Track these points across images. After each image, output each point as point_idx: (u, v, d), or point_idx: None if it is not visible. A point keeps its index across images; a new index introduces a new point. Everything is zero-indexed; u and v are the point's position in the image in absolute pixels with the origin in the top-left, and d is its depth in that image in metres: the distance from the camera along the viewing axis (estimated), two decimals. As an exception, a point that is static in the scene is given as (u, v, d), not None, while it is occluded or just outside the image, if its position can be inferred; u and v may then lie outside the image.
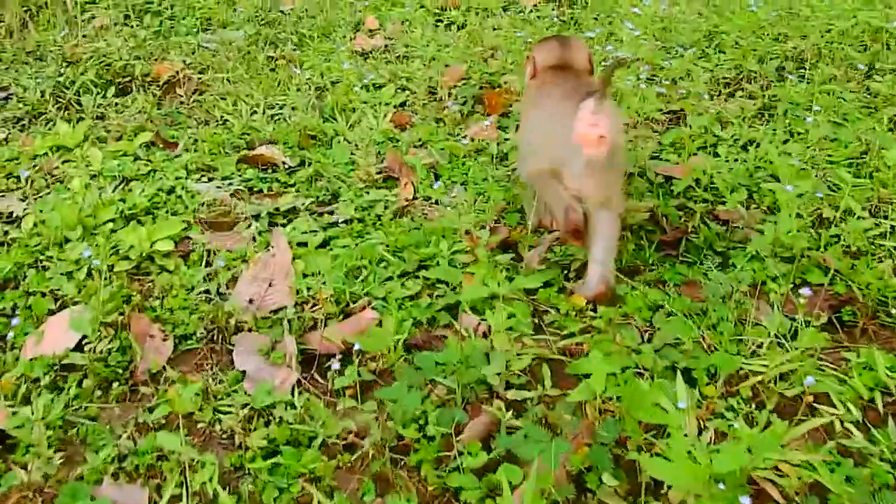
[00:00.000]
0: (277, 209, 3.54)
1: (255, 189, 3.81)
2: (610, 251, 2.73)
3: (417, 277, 3.00)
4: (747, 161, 3.55)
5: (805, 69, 4.57)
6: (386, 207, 3.47)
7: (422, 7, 6.33)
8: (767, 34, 4.95)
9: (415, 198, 3.62)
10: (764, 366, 2.43)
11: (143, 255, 3.19)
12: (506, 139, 4.13)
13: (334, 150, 4.06)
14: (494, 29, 5.59)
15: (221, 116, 4.56)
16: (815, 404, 2.34)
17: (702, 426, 2.24)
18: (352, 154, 3.99)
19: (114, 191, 3.72)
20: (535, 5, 6.21)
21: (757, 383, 2.40)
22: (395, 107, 4.54)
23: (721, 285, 2.66)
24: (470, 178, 3.73)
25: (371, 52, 5.57)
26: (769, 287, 2.73)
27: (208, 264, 3.19)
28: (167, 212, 3.56)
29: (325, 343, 2.65)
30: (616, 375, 2.27)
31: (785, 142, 3.73)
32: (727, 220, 3.13)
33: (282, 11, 6.28)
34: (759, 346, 2.49)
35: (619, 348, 2.44)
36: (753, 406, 2.34)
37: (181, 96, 4.82)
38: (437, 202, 3.55)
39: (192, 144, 4.25)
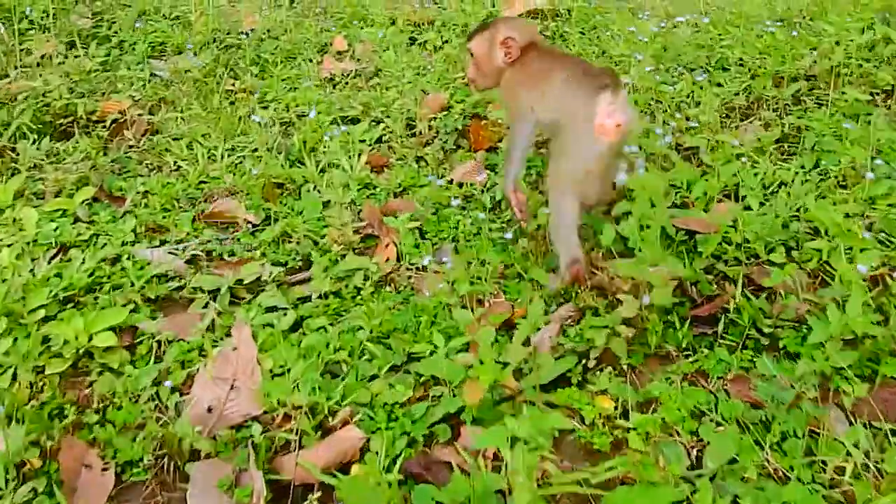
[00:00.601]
0: (240, 281, 3.04)
1: (214, 253, 3.31)
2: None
3: (408, 373, 2.53)
4: (778, 208, 3.09)
5: (821, 89, 4.14)
6: (366, 278, 2.99)
7: (393, 24, 5.83)
8: (773, 48, 4.51)
9: (398, 260, 3.13)
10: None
11: (80, 351, 2.68)
12: (495, 184, 3.65)
13: (304, 203, 3.56)
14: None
15: (175, 162, 4.04)
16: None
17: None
18: (324, 207, 3.50)
19: (49, 262, 3.19)
20: (524, 14, 5.74)
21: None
22: (370, 144, 4.05)
23: (780, 384, 2.20)
24: (460, 233, 3.26)
25: (340, 78, 5.08)
26: (836, 382, 2.27)
27: (158, 359, 2.69)
28: (111, 288, 3.05)
29: (301, 472, 2.16)
30: (665, 516, 1.81)
31: (819, 182, 3.28)
32: (770, 289, 2.67)
33: (243, 33, 5.76)
34: (840, 472, 2.03)
35: (663, 475, 1.97)
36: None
37: (130, 139, 4.29)
38: (423, 268, 3.07)
39: (142, 199, 3.74)
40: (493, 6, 5.91)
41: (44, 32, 5.62)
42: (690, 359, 2.48)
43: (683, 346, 2.54)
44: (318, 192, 3.68)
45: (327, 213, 3.32)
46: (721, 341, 2.54)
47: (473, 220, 3.31)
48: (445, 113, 4.34)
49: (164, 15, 6.10)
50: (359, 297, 2.92)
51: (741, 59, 4.51)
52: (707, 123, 3.75)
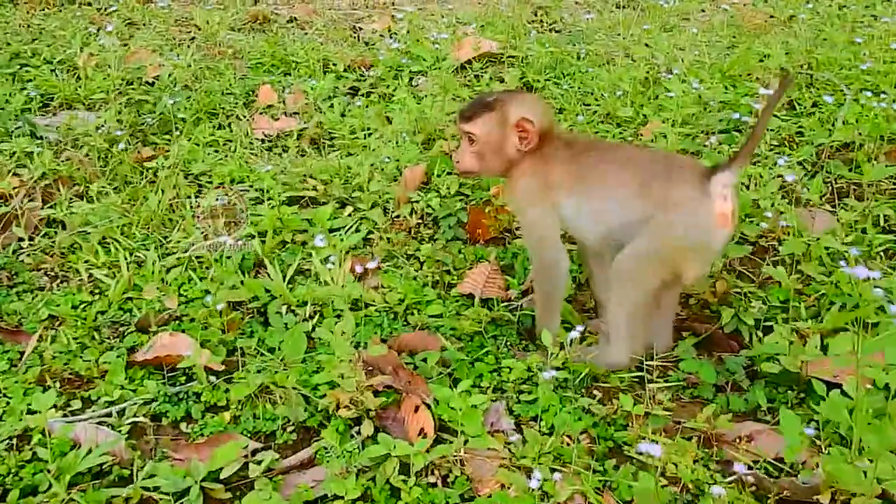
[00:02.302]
0: (216, 476, 2.14)
1: (166, 421, 2.39)
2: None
3: None
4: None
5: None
6: (402, 467, 2.12)
7: (327, 70, 4.97)
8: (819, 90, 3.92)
9: (438, 433, 2.26)
10: None
11: None
12: (522, 293, 2.88)
13: (276, 335, 2.68)
14: (433, 98, 4.29)
15: (88, 270, 3.06)
16: None
17: None
18: (310, 339, 2.63)
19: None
20: (470, 61, 4.99)
21: None
22: (342, 236, 3.19)
23: None
24: (508, 382, 2.44)
25: (278, 140, 4.19)
26: None
27: None
28: (19, 496, 2.08)
29: None
30: None
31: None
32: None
33: (147, 82, 4.76)
34: None
35: None
36: None
37: (21, 235, 3.27)
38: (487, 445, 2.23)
39: (50, 331, 2.76)
40: (437, 47, 5.14)
41: None
42: None
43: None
44: (293, 313, 2.80)
45: (321, 358, 2.43)
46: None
47: (521, 360, 2.51)
48: (427, 190, 3.53)
49: (44, 59, 5.02)
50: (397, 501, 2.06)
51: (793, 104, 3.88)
52: (765, 203, 3.07)
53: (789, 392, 2.28)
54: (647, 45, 5.09)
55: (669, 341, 2.55)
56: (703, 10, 6.11)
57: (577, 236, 2.57)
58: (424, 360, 2.48)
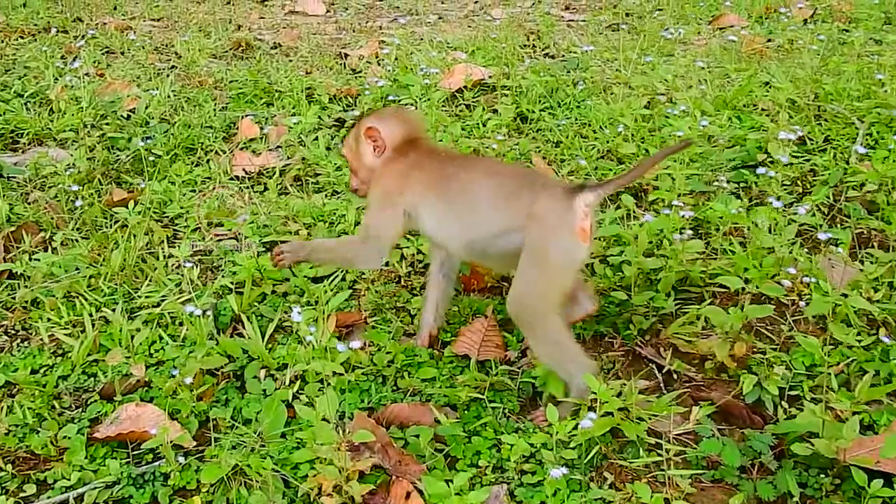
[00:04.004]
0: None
1: (130, 503, 2.15)
2: None
3: None
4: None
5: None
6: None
7: (312, 100, 4.75)
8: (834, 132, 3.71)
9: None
10: None
11: None
12: (521, 352, 2.65)
13: (252, 404, 2.44)
14: (437, 130, 4.06)
15: (49, 330, 2.82)
16: None
17: None
18: (288, 407, 2.40)
19: None
20: (461, 90, 4.77)
21: None
22: (327, 288, 2.95)
23: None
24: (511, 462, 2.20)
25: (258, 177, 3.96)
26: None
27: None
28: None
29: None
30: None
31: None
32: None
33: (123, 115, 4.53)
34: None
35: None
36: None
37: (-22, 292, 3.03)
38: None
39: (7, 399, 2.52)
40: (425, 76, 4.92)
41: None
42: None
43: None
44: (273, 377, 2.56)
45: (302, 435, 2.19)
46: None
47: (523, 433, 2.28)
48: (417, 234, 3.29)
49: (15, 92, 4.79)
50: None
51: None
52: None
53: (823, 477, 2.05)
54: (644, 72, 4.89)
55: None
56: (699, 34, 5.93)
57: (439, 244, 2.59)
58: (416, 435, 2.24)
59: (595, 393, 2.18)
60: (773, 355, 2.46)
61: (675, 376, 2.52)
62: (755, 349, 2.51)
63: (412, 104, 4.50)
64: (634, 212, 3.18)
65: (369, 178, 2.63)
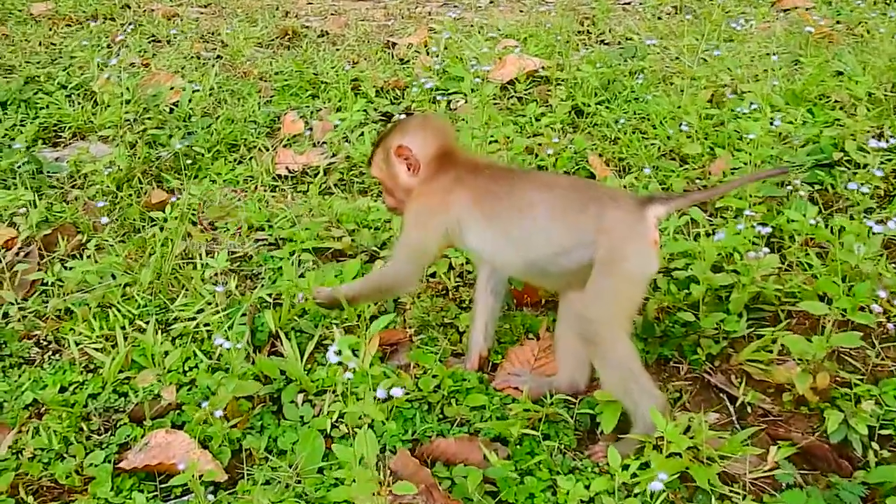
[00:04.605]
0: None
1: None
2: None
3: None
4: None
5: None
6: None
7: (357, 93, 4.56)
8: None
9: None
10: None
11: None
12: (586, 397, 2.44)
13: (288, 433, 2.28)
14: (489, 128, 3.84)
15: (79, 343, 2.69)
16: None
17: None
18: (327, 437, 2.24)
19: None
20: (513, 81, 4.54)
21: None
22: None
23: None
24: (566, 502, 2.01)
25: (302, 176, 3.80)
26: None
27: None
28: None
29: None
30: None
31: None
32: None
33: (166, 108, 4.40)
34: None
35: None
36: None
37: (10, 298, 2.92)
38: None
39: (33, 420, 2.40)
40: (477, 64, 4.70)
41: None
42: None
43: None
44: (311, 403, 2.40)
45: (339, 474, 2.02)
46: None
47: (580, 473, 2.08)
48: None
49: (59, 83, 4.69)
50: None
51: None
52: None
53: (923, 537, 1.83)
54: (704, 59, 4.61)
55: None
56: (763, 18, 5.58)
57: (494, 266, 2.44)
58: (464, 476, 2.06)
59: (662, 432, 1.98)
60: (862, 389, 2.21)
61: (748, 409, 2.29)
62: (838, 379, 2.27)
63: (463, 98, 4.30)
64: (698, 220, 2.94)
65: (407, 197, 2.47)
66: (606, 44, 5.28)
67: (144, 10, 6.21)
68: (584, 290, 2.17)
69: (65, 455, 2.27)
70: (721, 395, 2.37)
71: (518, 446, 2.19)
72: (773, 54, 4.43)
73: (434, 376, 2.44)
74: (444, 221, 2.35)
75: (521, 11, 6.15)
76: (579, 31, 5.41)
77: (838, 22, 5.34)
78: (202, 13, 6.38)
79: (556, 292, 2.56)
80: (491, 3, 6.45)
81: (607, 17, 5.64)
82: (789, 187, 3.04)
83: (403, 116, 4.21)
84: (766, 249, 2.56)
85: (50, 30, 5.84)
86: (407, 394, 2.37)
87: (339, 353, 2.17)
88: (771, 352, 2.39)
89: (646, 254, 2.19)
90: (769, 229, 2.64)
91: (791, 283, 2.55)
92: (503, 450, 2.19)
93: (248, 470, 2.17)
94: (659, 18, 5.67)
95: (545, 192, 2.29)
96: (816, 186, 3.19)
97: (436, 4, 6.49)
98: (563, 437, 2.24)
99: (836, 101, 3.86)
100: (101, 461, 2.23)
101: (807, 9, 5.60)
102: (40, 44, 5.52)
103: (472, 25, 5.62)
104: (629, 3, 6.21)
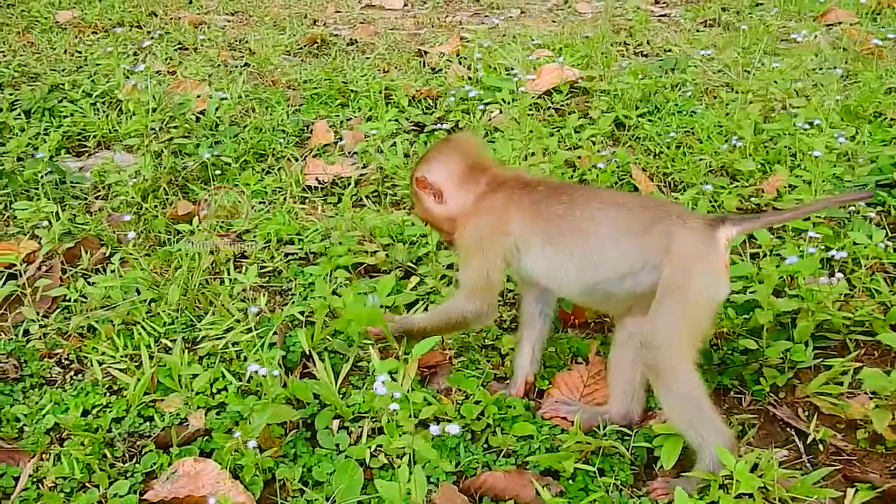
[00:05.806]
0: None
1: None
2: None
3: None
4: None
5: None
6: None
7: (389, 103, 4.43)
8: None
9: None
10: None
11: None
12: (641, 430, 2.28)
13: (324, 462, 2.14)
14: (529, 140, 3.69)
15: (103, 363, 2.56)
16: None
17: None
18: (371, 469, 2.09)
19: None
20: (550, 91, 4.40)
21: None
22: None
23: None
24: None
25: (332, 188, 3.66)
26: None
27: None
28: None
29: None
30: None
31: None
32: None
33: (192, 116, 4.28)
34: None
35: None
36: None
37: (31, 315, 2.79)
38: None
39: (52, 444, 2.27)
40: (511, 73, 4.56)
41: None
42: None
43: None
44: (347, 430, 2.26)
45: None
46: None
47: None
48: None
49: (84, 91, 4.59)
50: None
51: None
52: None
53: None
54: (747, 71, 4.46)
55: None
56: (807, 31, 5.42)
57: (551, 288, 2.31)
58: (514, 516, 1.91)
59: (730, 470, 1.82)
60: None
61: (820, 446, 2.13)
62: (917, 415, 2.11)
63: (499, 109, 4.16)
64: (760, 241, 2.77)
65: (449, 228, 2.38)
66: (645, 55, 5.13)
67: (171, 18, 6.12)
68: (649, 315, 2.03)
69: (87, 485, 2.14)
70: (788, 429, 2.21)
71: (571, 481, 2.04)
72: (821, 69, 4.26)
73: (477, 402, 2.30)
74: (502, 243, 2.23)
75: (554, 22, 6.02)
76: (616, 42, 5.26)
77: (888, 37, 5.17)
78: (229, 21, 6.28)
79: (609, 314, 2.40)
80: (522, 13, 6.32)
81: (645, 27, 5.49)
82: (851, 208, 2.87)
83: (436, 126, 4.07)
84: (840, 275, 2.39)
85: (76, 38, 5.75)
86: (448, 422, 2.22)
87: (385, 382, 2.01)
88: (840, 384, 2.22)
89: (716, 278, 2.06)
90: (844, 253, 2.48)
91: (861, 313, 2.38)
92: (555, 485, 2.03)
93: (282, 502, 2.02)
94: (698, 31, 5.52)
95: (610, 209, 2.16)
96: (878, 208, 3.02)
97: (466, 14, 6.36)
98: (620, 472, 2.08)
99: (892, 119, 3.68)
100: (126, 492, 2.09)
101: (851, 24, 5.43)
102: (65, 51, 5.43)
103: (504, 35, 5.49)
104: (665, 15, 6.06)
